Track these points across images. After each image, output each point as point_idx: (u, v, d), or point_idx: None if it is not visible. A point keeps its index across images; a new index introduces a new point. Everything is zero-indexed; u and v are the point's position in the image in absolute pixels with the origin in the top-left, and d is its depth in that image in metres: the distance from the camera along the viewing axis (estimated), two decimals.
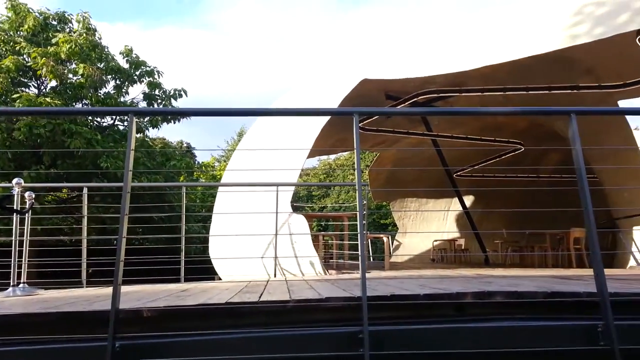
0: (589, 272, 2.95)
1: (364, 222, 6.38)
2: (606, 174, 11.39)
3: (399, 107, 9.01)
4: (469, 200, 14.40)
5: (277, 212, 5.49)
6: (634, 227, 9.94)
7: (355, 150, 2.72)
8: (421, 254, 14.12)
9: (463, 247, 15.16)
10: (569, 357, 2.56)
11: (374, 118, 11.01)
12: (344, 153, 22.60)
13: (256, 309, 2.67)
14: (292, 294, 3.00)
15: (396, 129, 11.53)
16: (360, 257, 2.60)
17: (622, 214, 10.20)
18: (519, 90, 9.31)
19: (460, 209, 16.31)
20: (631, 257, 9.62)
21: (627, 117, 9.48)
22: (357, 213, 2.74)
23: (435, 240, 15.77)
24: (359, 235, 2.68)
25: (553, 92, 9.36)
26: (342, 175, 28.58)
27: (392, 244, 15.37)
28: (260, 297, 2.93)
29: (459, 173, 13.89)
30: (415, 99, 9.92)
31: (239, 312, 2.69)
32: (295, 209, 6.30)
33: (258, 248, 6.31)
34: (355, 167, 2.67)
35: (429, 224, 16.39)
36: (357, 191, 2.70)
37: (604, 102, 9.69)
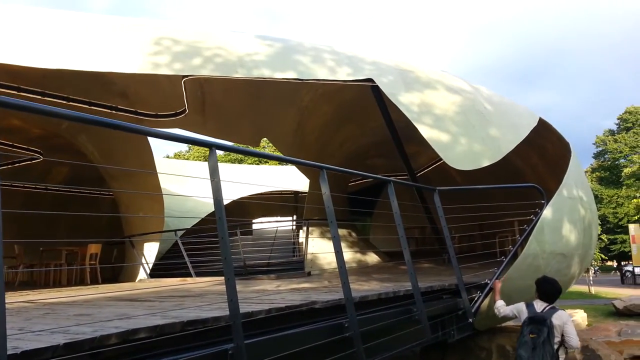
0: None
1: None
2: (124, 195, 12.14)
3: None
4: None
5: None
6: (145, 244, 10.95)
7: None
8: None
9: None
10: None
11: None
12: None
13: None
14: None
15: None
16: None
17: (136, 232, 11.03)
18: (60, 98, 8.76)
19: None
20: (141, 270, 10.55)
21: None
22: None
23: None
24: None
25: (92, 107, 9.34)
26: None
27: None
28: None
29: None
30: None
31: None
32: None
33: None
34: None
35: None
36: None
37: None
